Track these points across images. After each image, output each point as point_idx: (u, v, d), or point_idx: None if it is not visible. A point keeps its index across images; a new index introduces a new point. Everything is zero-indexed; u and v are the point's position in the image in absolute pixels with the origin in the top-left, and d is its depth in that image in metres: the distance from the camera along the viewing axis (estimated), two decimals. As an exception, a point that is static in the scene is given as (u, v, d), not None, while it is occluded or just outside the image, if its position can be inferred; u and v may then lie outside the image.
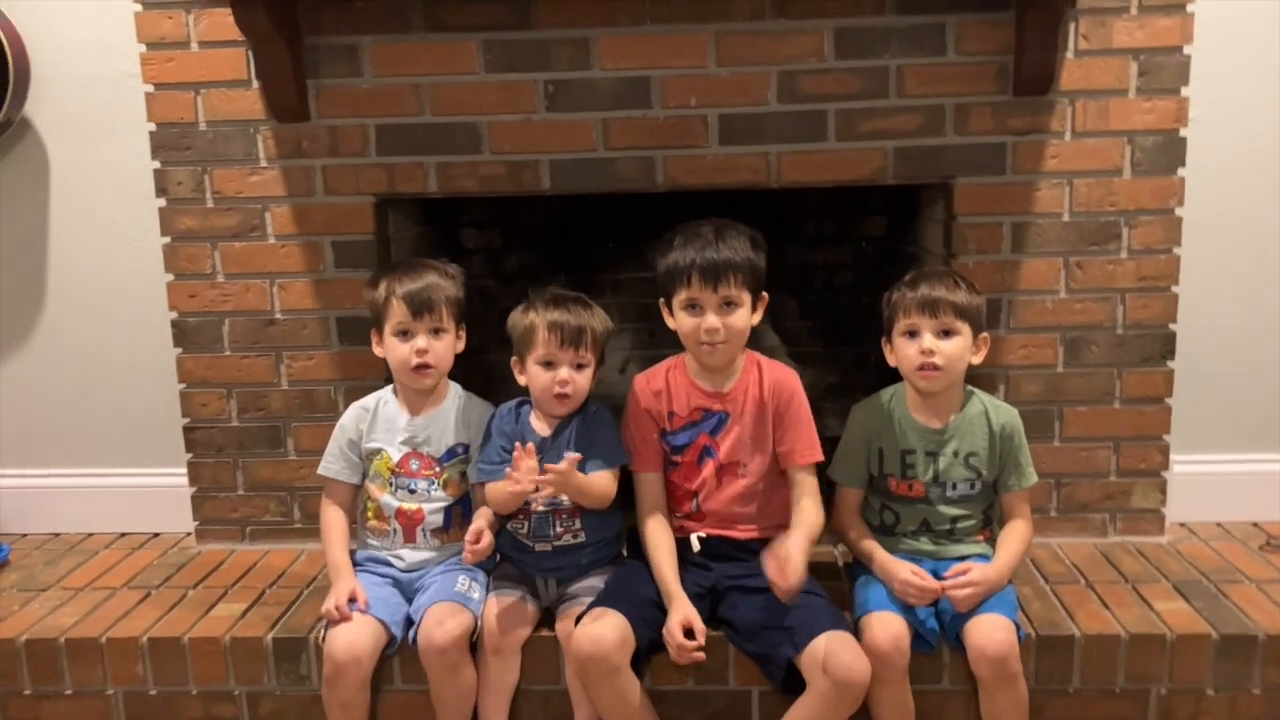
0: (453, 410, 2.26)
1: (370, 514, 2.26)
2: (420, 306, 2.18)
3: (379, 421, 2.25)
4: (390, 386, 2.30)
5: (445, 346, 2.22)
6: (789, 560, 1.95)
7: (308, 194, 2.49)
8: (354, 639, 2.06)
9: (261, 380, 2.58)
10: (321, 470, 2.28)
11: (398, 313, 2.18)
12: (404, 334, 2.19)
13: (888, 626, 2.00)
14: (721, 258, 2.06)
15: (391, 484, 2.23)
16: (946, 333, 2.10)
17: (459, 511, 2.25)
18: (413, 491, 2.22)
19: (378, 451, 2.24)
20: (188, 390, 2.61)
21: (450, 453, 2.24)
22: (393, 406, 2.27)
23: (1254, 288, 2.61)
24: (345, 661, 2.05)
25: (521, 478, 2.02)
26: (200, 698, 2.22)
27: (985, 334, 2.18)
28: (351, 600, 2.11)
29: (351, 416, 2.28)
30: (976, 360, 2.17)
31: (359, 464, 2.26)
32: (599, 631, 1.99)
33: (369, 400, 2.29)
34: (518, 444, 2.06)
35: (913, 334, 2.13)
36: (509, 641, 2.12)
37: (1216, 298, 2.60)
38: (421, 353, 2.18)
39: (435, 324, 2.19)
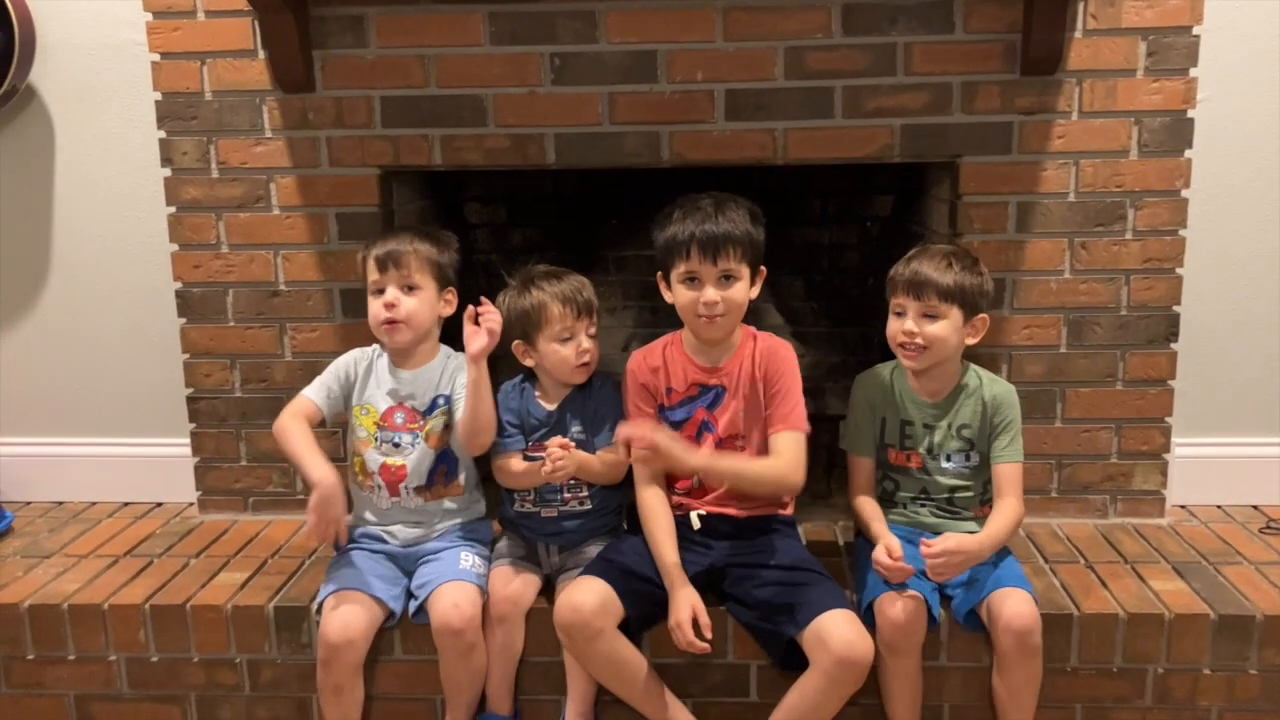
0: (439, 367, 2.26)
1: (356, 469, 2.27)
2: (385, 261, 2.18)
3: (374, 372, 2.26)
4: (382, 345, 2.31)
5: (419, 303, 2.19)
6: None
7: (313, 165, 2.49)
8: (348, 621, 2.06)
9: (265, 351, 2.59)
10: (302, 393, 2.25)
11: (370, 271, 2.20)
12: (378, 292, 2.19)
13: (905, 598, 2.02)
14: (721, 230, 2.05)
15: (376, 439, 2.23)
16: (929, 314, 2.11)
17: (443, 470, 2.25)
18: (397, 445, 2.22)
19: (365, 407, 2.24)
20: (191, 361, 2.62)
21: (433, 404, 2.24)
22: (385, 361, 2.27)
23: (1259, 271, 2.61)
24: (339, 644, 2.05)
25: (558, 467, 2.08)
26: (202, 665, 2.23)
27: (984, 315, 2.16)
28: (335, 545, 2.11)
29: (350, 357, 2.29)
30: (971, 341, 2.17)
31: (338, 399, 2.25)
32: (577, 598, 2.00)
33: (367, 350, 2.30)
34: (557, 439, 2.11)
35: (900, 313, 2.15)
36: (514, 610, 2.13)
37: (1221, 280, 2.60)
38: (389, 306, 2.17)
39: (404, 280, 2.18)
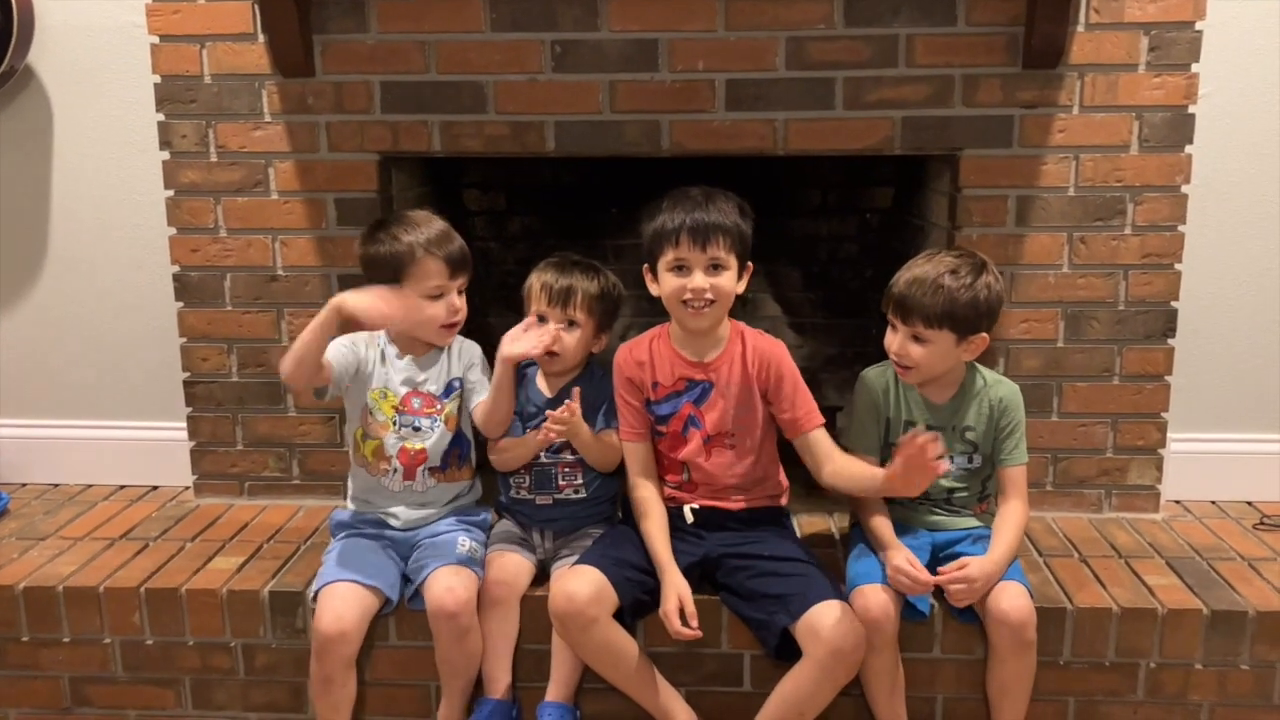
0: (445, 351, 2.27)
1: (368, 453, 2.25)
2: (458, 266, 2.18)
3: (386, 359, 2.25)
4: (384, 333, 2.27)
5: (464, 303, 2.23)
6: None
7: (311, 150, 2.48)
8: (341, 612, 2.06)
9: (262, 336, 2.58)
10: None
11: (434, 273, 2.15)
12: (438, 295, 2.18)
13: (876, 594, 2.03)
14: (710, 219, 2.06)
15: (395, 423, 2.22)
16: (918, 339, 2.10)
17: (456, 453, 2.27)
18: (417, 429, 2.23)
19: (382, 391, 2.23)
20: (188, 344, 2.61)
21: (449, 388, 2.25)
22: (393, 350, 2.26)
23: (1257, 268, 2.61)
24: (332, 635, 2.05)
25: (561, 419, 2.09)
26: (196, 649, 2.24)
27: (983, 335, 2.12)
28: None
29: (363, 336, 2.25)
30: (967, 357, 2.14)
31: (349, 362, 2.20)
32: (571, 587, 2.01)
33: (376, 335, 2.26)
34: (568, 401, 2.11)
35: (893, 326, 2.14)
36: (509, 594, 2.14)
37: (1219, 277, 2.61)
38: (455, 311, 2.19)
39: (464, 284, 2.22)
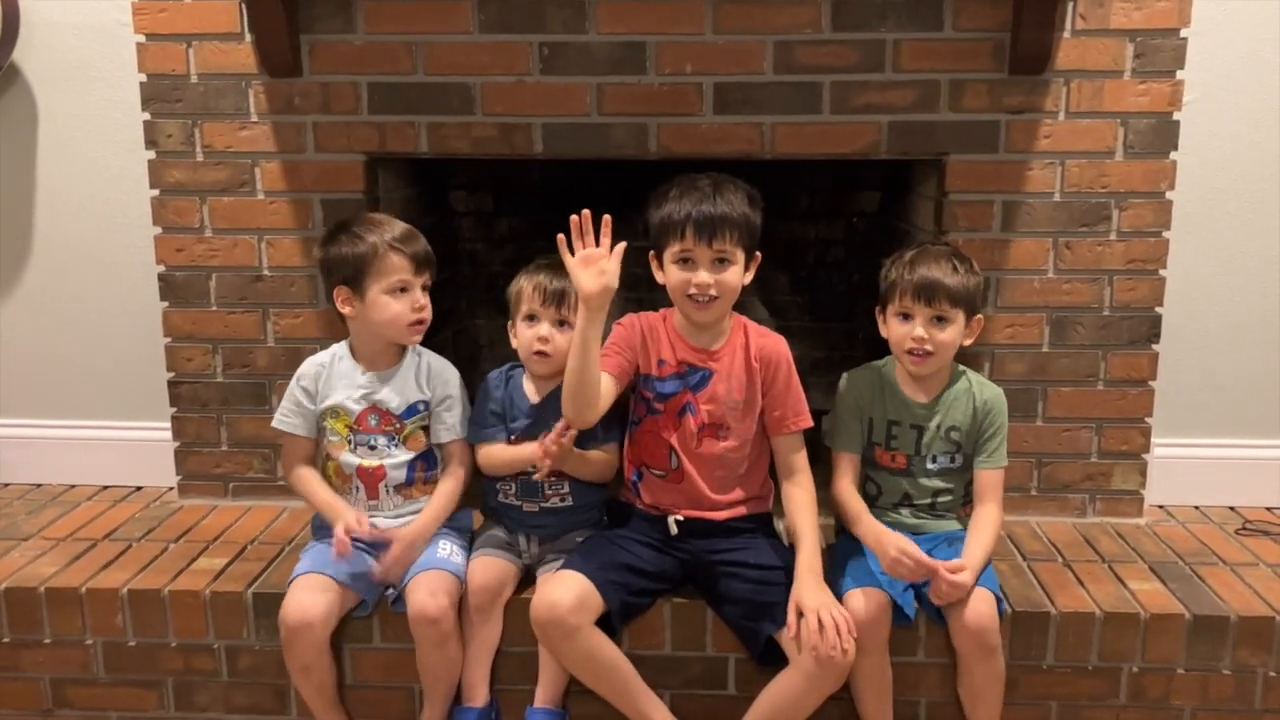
0: (411, 368, 2.22)
1: (331, 472, 2.22)
2: (422, 262, 2.15)
3: (334, 377, 2.20)
4: (345, 343, 2.24)
5: (429, 302, 2.20)
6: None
7: (298, 150, 2.48)
8: (306, 603, 2.05)
9: (247, 336, 2.58)
10: (277, 424, 2.22)
11: (398, 268, 2.12)
12: (402, 290, 2.14)
13: (870, 596, 2.02)
14: (718, 212, 2.03)
15: (350, 441, 2.19)
16: (940, 319, 2.11)
17: (422, 466, 2.22)
18: (373, 448, 2.18)
19: (334, 410, 2.19)
20: (173, 344, 2.60)
21: (411, 409, 2.19)
22: (348, 363, 2.21)
23: (1241, 274, 2.63)
24: (296, 625, 2.04)
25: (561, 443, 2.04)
26: (179, 650, 2.23)
27: (980, 316, 2.17)
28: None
29: (309, 369, 2.22)
30: (968, 342, 2.17)
31: (314, 419, 2.21)
32: (553, 595, 1.98)
33: (323, 356, 2.23)
34: (557, 425, 2.05)
35: (906, 316, 2.13)
36: (492, 600, 2.13)
37: (1204, 282, 2.62)
38: (421, 309, 2.15)
39: (428, 282, 2.18)
